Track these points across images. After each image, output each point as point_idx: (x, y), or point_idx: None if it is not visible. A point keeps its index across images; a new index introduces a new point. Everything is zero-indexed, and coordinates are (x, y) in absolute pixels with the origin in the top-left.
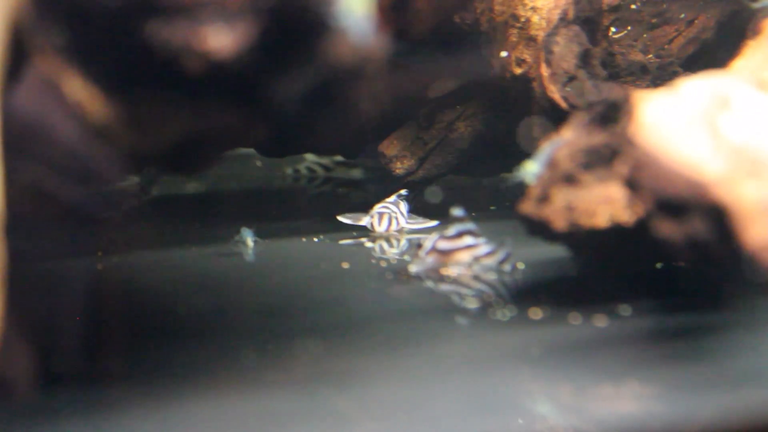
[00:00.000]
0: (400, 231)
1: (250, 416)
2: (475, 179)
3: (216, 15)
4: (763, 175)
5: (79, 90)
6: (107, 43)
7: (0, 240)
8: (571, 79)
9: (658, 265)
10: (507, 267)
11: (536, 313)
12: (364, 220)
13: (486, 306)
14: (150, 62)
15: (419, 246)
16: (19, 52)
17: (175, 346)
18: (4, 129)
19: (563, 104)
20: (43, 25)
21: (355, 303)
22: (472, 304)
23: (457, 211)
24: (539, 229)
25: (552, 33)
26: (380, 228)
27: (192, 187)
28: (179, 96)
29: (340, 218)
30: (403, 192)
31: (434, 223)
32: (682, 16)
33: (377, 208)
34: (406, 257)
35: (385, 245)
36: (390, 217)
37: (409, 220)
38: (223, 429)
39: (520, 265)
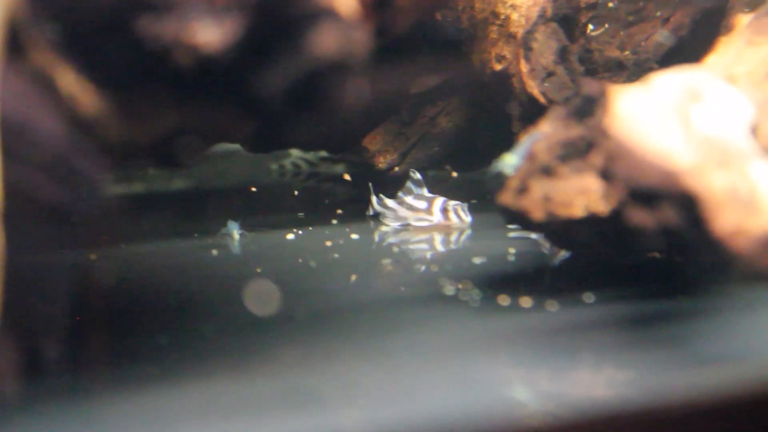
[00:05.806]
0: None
1: (235, 402)
2: (458, 173)
3: (204, 10)
4: (732, 165)
5: (70, 84)
6: (98, 37)
7: None
8: (550, 74)
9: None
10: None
11: (513, 300)
12: (435, 217)
13: (464, 292)
14: (139, 56)
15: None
16: (13, 46)
17: (161, 335)
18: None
19: (542, 99)
20: (36, 20)
21: (339, 292)
22: (450, 292)
23: (415, 175)
24: (518, 219)
25: (531, 30)
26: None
27: (178, 183)
28: (168, 90)
29: (386, 222)
30: (417, 176)
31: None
32: (658, 14)
33: (439, 203)
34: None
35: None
36: (455, 210)
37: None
38: (208, 415)
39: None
